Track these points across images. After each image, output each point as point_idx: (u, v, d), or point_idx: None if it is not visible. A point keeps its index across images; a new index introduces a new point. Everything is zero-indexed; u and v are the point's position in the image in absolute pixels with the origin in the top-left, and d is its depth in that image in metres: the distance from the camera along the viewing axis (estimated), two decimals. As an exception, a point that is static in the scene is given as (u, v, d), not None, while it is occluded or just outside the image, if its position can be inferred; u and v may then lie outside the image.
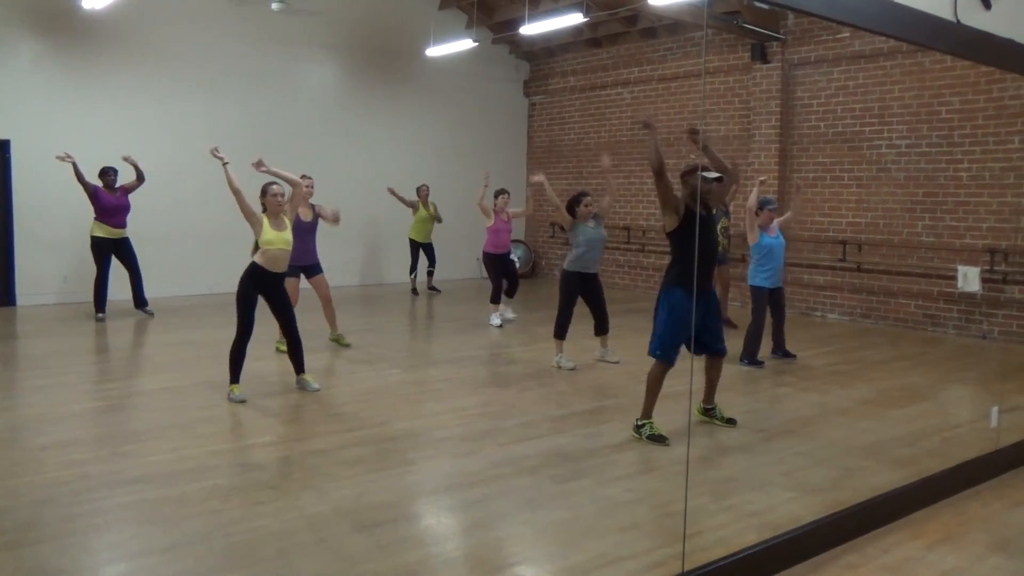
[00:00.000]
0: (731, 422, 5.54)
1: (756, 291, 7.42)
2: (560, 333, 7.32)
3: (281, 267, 6.01)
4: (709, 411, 5.62)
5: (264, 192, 6.03)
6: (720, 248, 9.03)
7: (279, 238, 5.93)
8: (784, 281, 7.75)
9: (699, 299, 4.96)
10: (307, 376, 6.32)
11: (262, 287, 6.00)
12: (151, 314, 9.55)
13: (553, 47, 13.91)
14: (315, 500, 4.10)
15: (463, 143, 13.96)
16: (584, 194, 7.21)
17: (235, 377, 6.03)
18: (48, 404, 5.80)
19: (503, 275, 9.55)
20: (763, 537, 3.61)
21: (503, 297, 9.61)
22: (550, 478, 4.48)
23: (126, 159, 9.30)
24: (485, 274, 10.02)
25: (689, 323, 4.89)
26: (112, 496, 4.09)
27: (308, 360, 6.47)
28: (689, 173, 5.08)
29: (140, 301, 9.59)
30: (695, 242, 4.71)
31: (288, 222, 6.07)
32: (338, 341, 8.02)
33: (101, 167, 9.26)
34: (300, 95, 12.23)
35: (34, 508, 3.93)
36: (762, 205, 7.47)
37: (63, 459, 4.63)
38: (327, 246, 8.27)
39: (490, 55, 14.05)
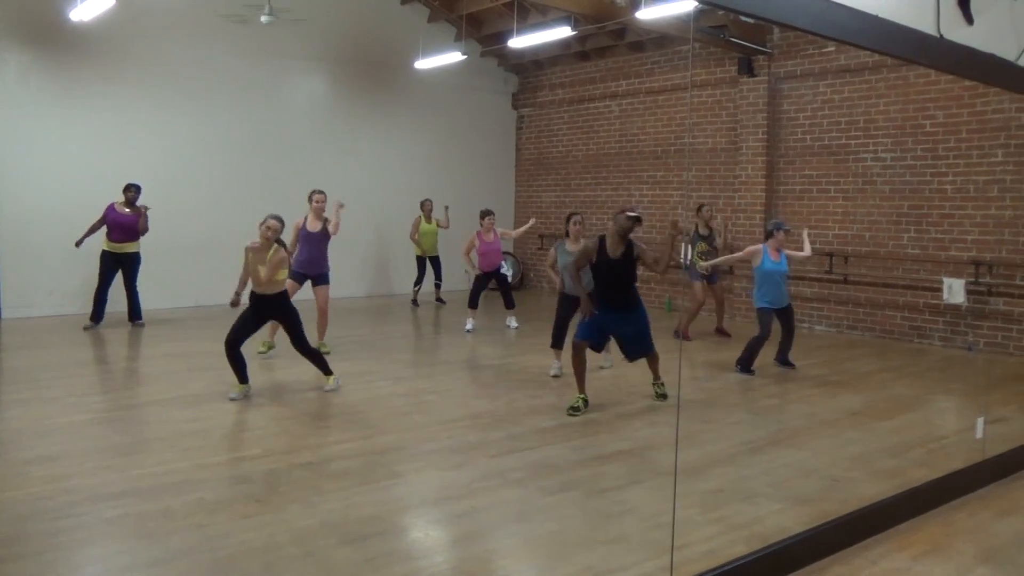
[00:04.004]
0: (663, 397, 6.45)
1: (762, 312, 7.55)
2: (555, 343, 7.42)
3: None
4: (657, 383, 6.54)
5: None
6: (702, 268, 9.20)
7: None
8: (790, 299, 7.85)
9: (618, 317, 6.18)
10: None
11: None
12: (142, 326, 9.54)
13: (541, 60, 13.98)
14: (302, 513, 4.07)
15: (452, 155, 13.99)
16: (574, 213, 7.53)
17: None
18: (32, 417, 5.75)
19: (488, 287, 9.93)
20: (751, 548, 3.62)
21: (506, 309, 10.02)
22: (538, 490, 4.47)
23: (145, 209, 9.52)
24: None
25: (599, 326, 6.21)
26: (96, 510, 4.06)
27: (302, 370, 6.51)
28: (619, 212, 6.16)
29: (133, 314, 9.64)
30: (601, 276, 6.15)
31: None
32: (319, 349, 8.08)
33: (125, 183, 9.46)
34: (289, 107, 12.22)
35: (17, 523, 3.89)
36: (771, 230, 7.57)
37: (47, 473, 4.58)
38: (332, 258, 8.29)
39: (479, 68, 14.09)
